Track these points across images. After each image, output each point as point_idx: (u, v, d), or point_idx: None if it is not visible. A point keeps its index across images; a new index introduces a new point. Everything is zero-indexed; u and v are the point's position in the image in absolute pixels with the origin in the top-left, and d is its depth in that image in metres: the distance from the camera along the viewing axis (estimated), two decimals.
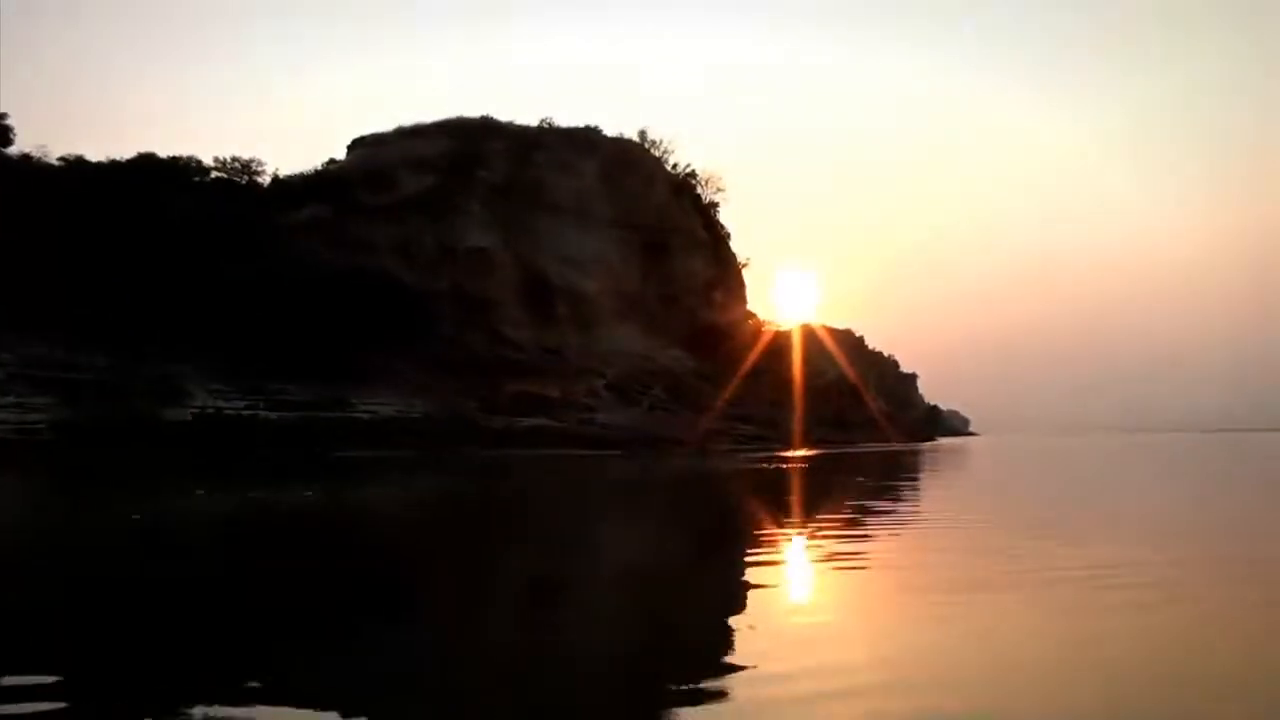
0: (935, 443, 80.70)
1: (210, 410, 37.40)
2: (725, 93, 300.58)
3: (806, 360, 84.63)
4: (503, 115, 65.94)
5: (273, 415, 37.74)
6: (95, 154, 50.57)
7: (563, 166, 62.52)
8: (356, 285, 47.39)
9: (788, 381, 69.77)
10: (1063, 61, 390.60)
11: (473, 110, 65.34)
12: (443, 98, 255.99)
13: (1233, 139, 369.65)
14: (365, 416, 39.88)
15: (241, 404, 38.82)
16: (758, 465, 30.34)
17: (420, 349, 47.68)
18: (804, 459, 36.82)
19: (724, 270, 78.14)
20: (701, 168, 76.59)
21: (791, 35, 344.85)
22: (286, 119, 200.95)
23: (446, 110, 66.25)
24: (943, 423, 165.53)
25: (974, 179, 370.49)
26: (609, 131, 69.22)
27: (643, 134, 70.90)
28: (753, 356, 74.28)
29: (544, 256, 59.02)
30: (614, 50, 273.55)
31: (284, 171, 58.81)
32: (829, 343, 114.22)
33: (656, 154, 71.91)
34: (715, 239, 77.00)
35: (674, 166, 74.23)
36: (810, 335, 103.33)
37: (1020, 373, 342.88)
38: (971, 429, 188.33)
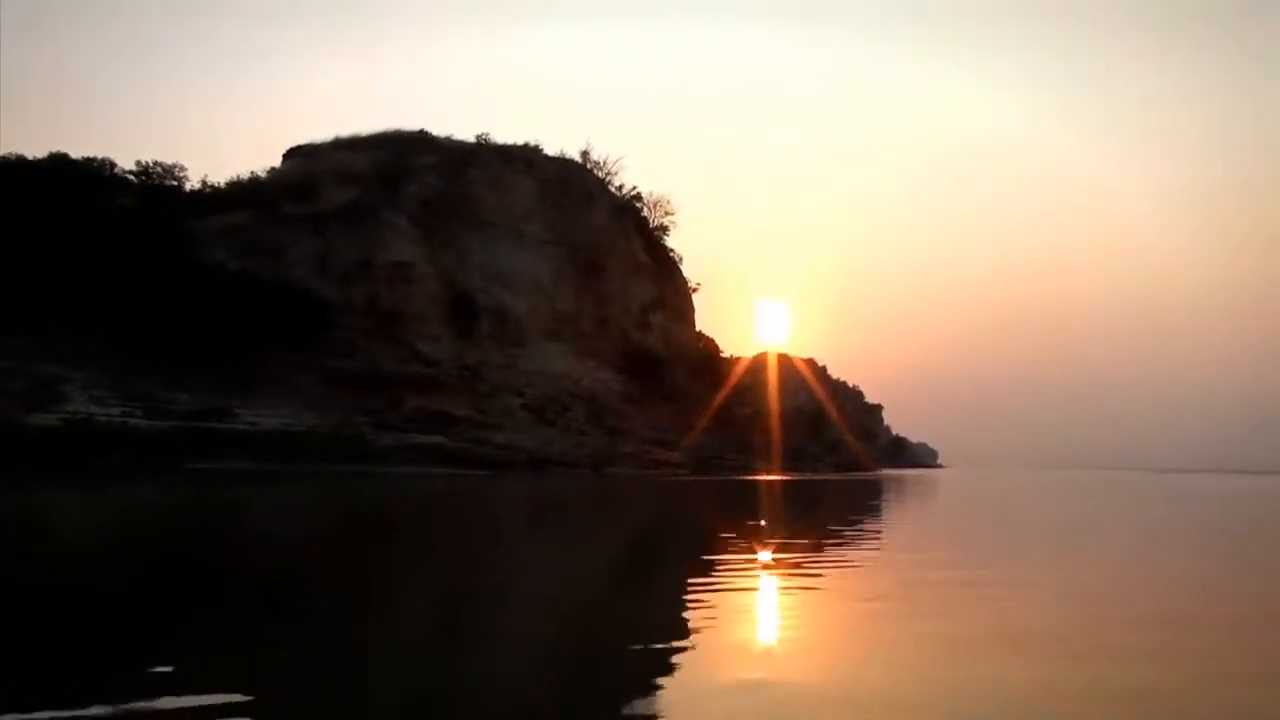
0: (876, 474, 79.53)
1: (81, 416, 36.62)
2: (691, 117, 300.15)
3: (757, 387, 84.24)
4: (444, 129, 65.74)
5: (143, 423, 36.96)
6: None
7: (497, 183, 62.13)
8: (261, 294, 46.79)
9: (723, 407, 69.24)
10: (1047, 79, 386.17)
11: (413, 123, 65.00)
12: (388, 109, 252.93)
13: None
14: (246, 428, 39.09)
15: (116, 410, 38.05)
16: (628, 487, 29.62)
17: (323, 362, 47.02)
18: (694, 482, 36.15)
19: (670, 294, 77.75)
20: (649, 191, 76.46)
21: (756, 63, 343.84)
22: (242, 125, 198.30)
23: (390, 122, 65.50)
24: (909, 454, 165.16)
25: (948, 207, 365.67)
26: (551, 150, 69.13)
27: (585, 154, 70.77)
28: (688, 381, 73.86)
29: (470, 273, 58.50)
30: (591, 71, 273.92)
31: (219, 179, 58.40)
32: (798, 369, 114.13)
33: (600, 175, 71.69)
34: (660, 262, 76.66)
35: (619, 188, 74.03)
36: (768, 363, 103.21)
37: (997, 407, 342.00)
38: (940, 461, 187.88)
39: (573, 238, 65.77)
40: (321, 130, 78.08)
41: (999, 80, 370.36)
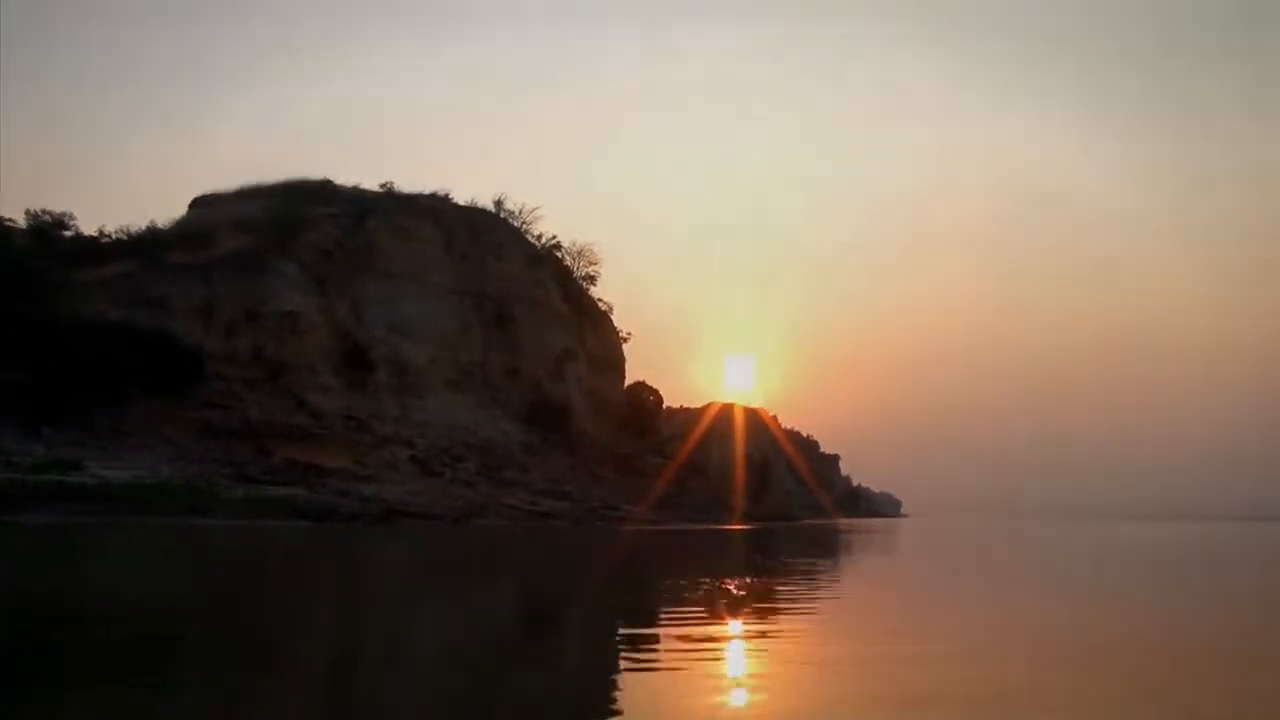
0: (796, 524, 77.70)
1: None
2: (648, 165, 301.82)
3: (681, 439, 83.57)
4: (353, 178, 65.78)
5: None
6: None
7: (399, 232, 61.95)
8: (135, 344, 46.09)
9: (632, 456, 68.65)
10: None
11: (319, 172, 65.05)
12: (294, 157, 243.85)
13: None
14: (89, 481, 38.12)
15: None
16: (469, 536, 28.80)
17: (195, 413, 46.29)
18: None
19: (594, 344, 77.31)
20: (570, 240, 76.45)
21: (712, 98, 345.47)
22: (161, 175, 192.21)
23: (295, 170, 65.27)
24: (868, 503, 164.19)
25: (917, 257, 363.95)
26: (462, 199, 69.22)
27: (498, 203, 70.83)
28: (607, 431, 73.21)
29: (367, 323, 58.02)
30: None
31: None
32: (744, 419, 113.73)
33: (515, 224, 71.65)
34: (582, 312, 76.35)
35: (538, 237, 73.98)
36: (716, 413, 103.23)
37: (968, 457, 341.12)
38: (904, 510, 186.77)
39: (481, 287, 65.49)
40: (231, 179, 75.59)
41: (962, 110, 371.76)
